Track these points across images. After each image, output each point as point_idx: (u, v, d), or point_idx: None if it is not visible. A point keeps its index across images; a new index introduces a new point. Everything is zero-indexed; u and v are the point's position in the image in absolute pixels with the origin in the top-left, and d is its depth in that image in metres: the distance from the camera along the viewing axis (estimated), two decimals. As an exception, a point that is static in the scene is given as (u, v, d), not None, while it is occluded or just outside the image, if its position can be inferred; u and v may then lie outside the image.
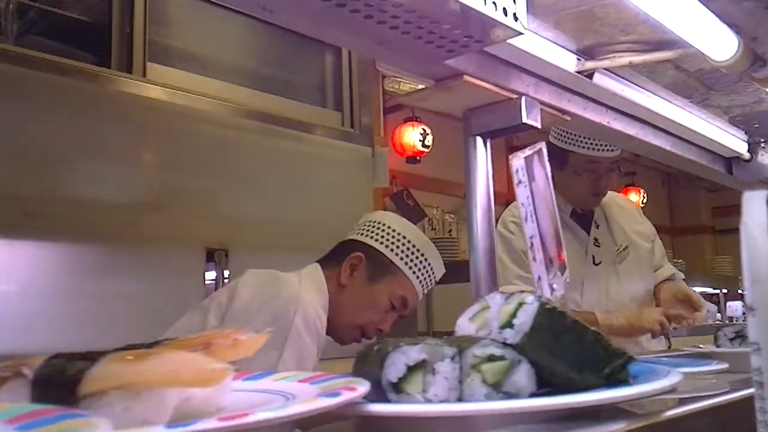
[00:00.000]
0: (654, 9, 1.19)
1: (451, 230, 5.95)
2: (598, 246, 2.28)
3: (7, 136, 2.19)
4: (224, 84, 3.00)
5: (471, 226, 1.34)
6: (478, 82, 1.25)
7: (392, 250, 1.72)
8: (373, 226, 1.76)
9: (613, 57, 1.41)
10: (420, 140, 5.30)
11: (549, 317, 0.68)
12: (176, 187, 2.67)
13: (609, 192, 2.49)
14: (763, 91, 1.69)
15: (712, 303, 6.85)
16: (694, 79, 1.65)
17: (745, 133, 2.14)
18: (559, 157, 2.27)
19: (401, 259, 1.72)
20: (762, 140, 2.18)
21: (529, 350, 0.67)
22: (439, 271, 1.80)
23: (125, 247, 2.45)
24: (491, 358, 0.66)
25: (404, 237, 1.74)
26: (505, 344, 0.68)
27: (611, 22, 1.31)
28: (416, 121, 5.31)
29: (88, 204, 2.38)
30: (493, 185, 1.37)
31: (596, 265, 2.25)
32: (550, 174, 1.05)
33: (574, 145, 2.19)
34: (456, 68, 1.20)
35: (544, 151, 1.04)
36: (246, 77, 3.14)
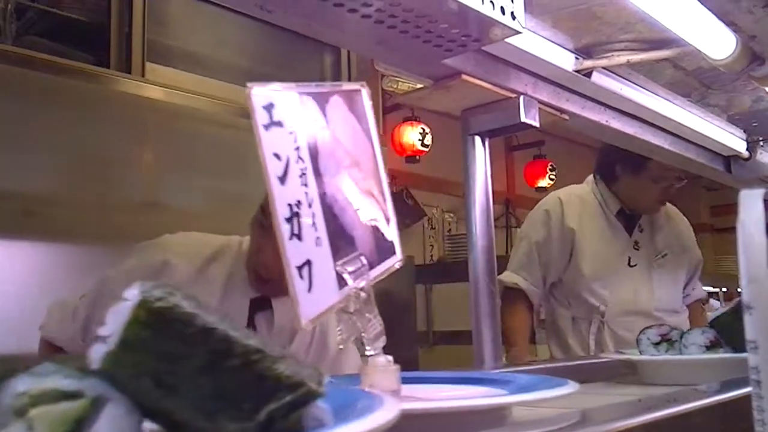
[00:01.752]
0: (652, 8, 1.19)
1: (450, 230, 5.95)
2: (638, 249, 2.28)
3: (6, 136, 2.18)
4: (223, 84, 3.00)
5: (470, 225, 1.34)
6: (476, 81, 1.25)
7: None
8: None
9: (612, 56, 1.41)
10: (419, 139, 5.30)
11: (155, 325, 0.39)
12: (175, 186, 2.67)
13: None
14: (761, 89, 1.69)
15: (716, 301, 6.88)
16: (692, 78, 1.65)
17: (744, 131, 2.15)
18: (635, 164, 2.26)
19: None
20: (761, 138, 2.18)
21: (123, 380, 0.39)
22: None
23: (124, 246, 2.45)
24: (54, 397, 0.38)
25: None
26: (88, 371, 0.39)
27: (609, 21, 1.31)
28: (415, 120, 5.30)
29: (87, 204, 2.38)
30: (492, 184, 1.37)
31: (631, 266, 2.26)
32: (374, 124, 0.73)
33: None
34: (454, 67, 1.20)
35: (366, 96, 0.71)
36: (245, 77, 3.13)
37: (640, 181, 2.27)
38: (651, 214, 2.33)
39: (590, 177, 2.45)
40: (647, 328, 1.34)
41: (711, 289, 7.03)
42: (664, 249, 2.32)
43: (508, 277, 2.25)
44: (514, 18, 1.01)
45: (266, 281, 1.49)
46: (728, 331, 1.22)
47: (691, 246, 2.44)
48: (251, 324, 1.52)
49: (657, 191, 2.25)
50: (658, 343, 1.30)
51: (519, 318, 2.24)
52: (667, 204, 2.46)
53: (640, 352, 1.32)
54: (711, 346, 1.23)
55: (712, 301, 6.85)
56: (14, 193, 2.20)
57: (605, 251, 2.27)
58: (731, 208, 0.48)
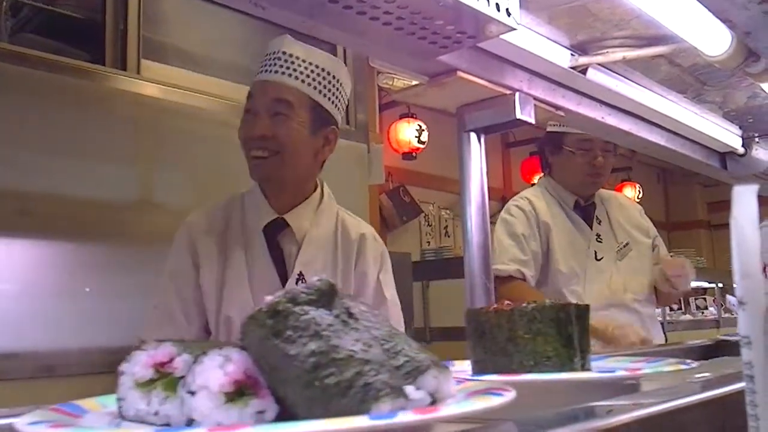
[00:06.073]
0: (647, 4, 1.19)
1: (447, 226, 5.96)
2: (600, 242, 2.29)
3: (1, 134, 2.18)
4: (219, 81, 2.99)
5: (465, 222, 1.35)
6: (471, 78, 1.25)
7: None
8: None
9: (607, 52, 1.41)
10: (416, 136, 5.30)
11: None
12: (172, 184, 2.67)
13: (610, 191, 2.50)
14: (756, 86, 1.69)
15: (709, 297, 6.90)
16: (688, 75, 1.66)
17: (739, 127, 2.15)
18: (555, 142, 2.33)
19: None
20: (756, 135, 2.19)
21: None
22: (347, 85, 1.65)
23: (120, 245, 2.44)
24: None
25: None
26: None
27: (605, 18, 1.31)
28: (412, 117, 5.31)
29: (84, 202, 2.37)
30: (488, 181, 1.38)
31: (598, 260, 2.27)
32: None
33: (567, 126, 2.23)
34: (449, 64, 1.20)
35: None
36: (241, 74, 3.13)
37: (564, 159, 2.32)
38: (591, 192, 2.33)
39: (540, 179, 2.51)
40: (136, 349, 0.62)
41: (707, 285, 7.03)
42: (625, 239, 2.33)
43: (505, 266, 2.17)
44: (509, 15, 1.01)
45: (263, 159, 1.70)
46: (264, 355, 0.52)
47: (649, 229, 2.45)
48: (277, 248, 1.66)
49: (581, 163, 2.27)
50: (149, 383, 0.60)
51: (523, 289, 2.15)
52: (616, 193, 2.49)
53: (119, 403, 0.61)
54: (234, 394, 0.52)
55: (728, 297, 6.83)
56: (9, 191, 2.20)
57: (574, 247, 2.29)
58: (727, 205, 0.48)
